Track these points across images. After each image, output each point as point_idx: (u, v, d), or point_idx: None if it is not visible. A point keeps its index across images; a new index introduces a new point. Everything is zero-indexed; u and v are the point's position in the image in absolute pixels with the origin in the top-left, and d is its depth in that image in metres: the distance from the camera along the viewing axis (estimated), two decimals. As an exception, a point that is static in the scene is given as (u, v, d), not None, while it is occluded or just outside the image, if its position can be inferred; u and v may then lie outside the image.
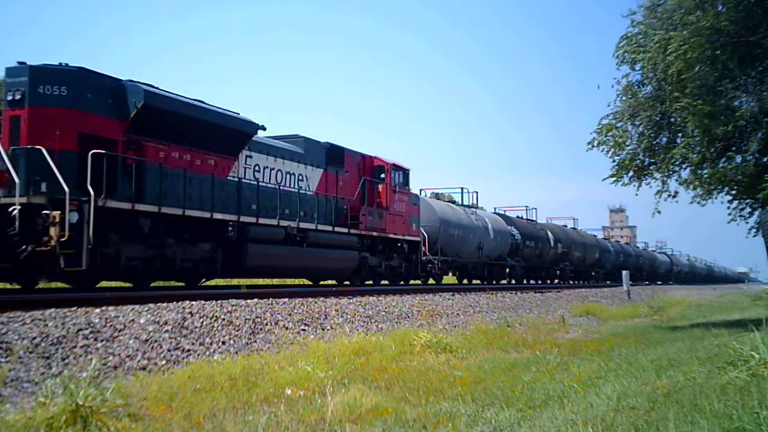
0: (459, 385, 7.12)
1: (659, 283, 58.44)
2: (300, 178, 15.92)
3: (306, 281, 19.99)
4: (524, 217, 36.43)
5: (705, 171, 13.50)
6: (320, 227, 15.94)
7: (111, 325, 7.92)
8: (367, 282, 18.75)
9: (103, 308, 8.57)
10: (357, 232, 17.42)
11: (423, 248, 21.23)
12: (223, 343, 8.68)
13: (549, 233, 35.21)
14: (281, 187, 14.96)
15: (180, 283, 14.03)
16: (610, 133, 14.19)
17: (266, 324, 9.88)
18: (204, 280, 14.12)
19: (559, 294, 25.45)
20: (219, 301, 10.21)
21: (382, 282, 19.67)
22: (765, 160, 13.51)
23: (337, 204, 17.03)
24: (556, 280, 37.46)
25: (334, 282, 19.24)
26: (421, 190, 25.92)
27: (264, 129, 14.88)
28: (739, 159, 13.17)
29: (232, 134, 13.64)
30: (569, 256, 37.40)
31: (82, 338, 7.38)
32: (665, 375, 6.90)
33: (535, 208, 39.64)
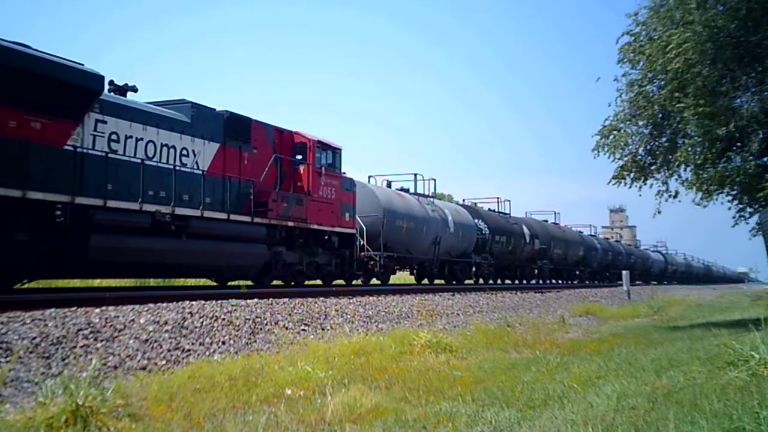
0: (459, 385, 7.12)
1: (654, 283, 56.38)
2: (184, 152, 12.74)
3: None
4: (496, 209, 32.11)
5: (706, 172, 13.51)
6: (208, 214, 12.86)
7: (111, 325, 7.93)
8: (292, 282, 16.12)
9: (103, 308, 8.57)
10: (264, 222, 14.32)
11: (361, 242, 18.23)
12: (223, 343, 8.69)
13: (524, 228, 31.76)
14: (151, 163, 11.88)
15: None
16: (612, 135, 14.22)
17: (266, 324, 9.89)
18: (25, 281, 11.33)
19: (559, 294, 25.51)
20: (219, 301, 10.22)
21: (308, 282, 16.78)
22: (765, 160, 13.52)
23: (240, 187, 13.94)
24: (534, 281, 33.90)
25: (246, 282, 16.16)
26: (369, 177, 23.04)
27: (135, 90, 12.33)
28: (739, 160, 13.19)
29: (66, 90, 10.45)
30: (548, 253, 34.05)
31: (82, 338, 7.38)
32: (665, 375, 6.90)
33: (509, 200, 33.52)
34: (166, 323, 8.51)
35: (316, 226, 16.10)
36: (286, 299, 11.72)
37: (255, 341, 9.11)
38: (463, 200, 31.64)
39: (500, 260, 29.18)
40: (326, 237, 16.69)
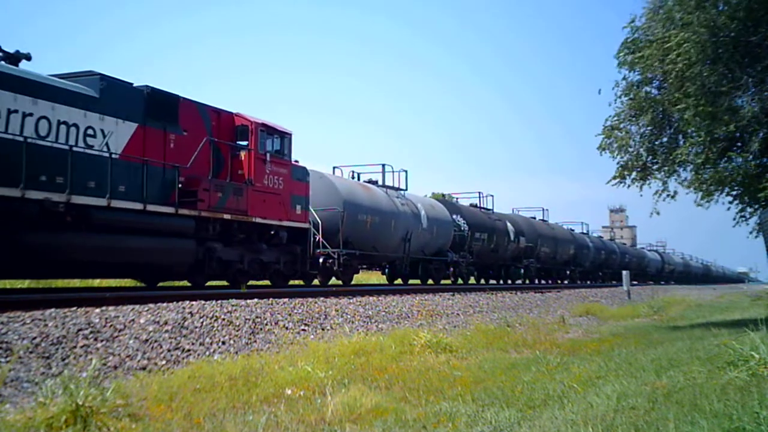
0: (459, 385, 7.12)
1: (650, 283, 54.93)
2: (89, 132, 10.87)
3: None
4: (478, 205, 29.46)
5: (707, 172, 13.51)
6: (117, 204, 10.94)
7: (111, 325, 7.93)
8: (236, 283, 14.11)
9: (103, 308, 8.58)
10: (193, 213, 12.42)
11: (316, 237, 16.32)
12: (223, 343, 8.69)
13: (508, 224, 29.66)
14: (41, 143, 10.01)
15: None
16: (613, 135, 14.26)
17: (266, 324, 9.89)
18: None
19: (559, 294, 25.55)
20: (219, 301, 10.22)
21: (252, 282, 14.86)
22: (765, 160, 13.53)
23: (165, 173, 12.08)
24: (519, 281, 31.58)
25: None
26: (334, 168, 20.89)
27: (28, 59, 10.61)
28: (739, 160, 13.20)
29: None
30: (535, 251, 32.14)
31: (82, 338, 7.38)
32: (665, 375, 6.90)
33: (492, 195, 30.45)
34: (166, 323, 8.51)
35: (259, 220, 14.16)
36: (286, 299, 11.73)
37: (255, 341, 9.11)
38: (443, 195, 29.23)
39: (481, 259, 27.24)
40: (273, 232, 14.85)
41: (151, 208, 11.64)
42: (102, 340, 7.51)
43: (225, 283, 15.14)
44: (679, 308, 24.81)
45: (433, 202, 25.05)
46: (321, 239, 16.67)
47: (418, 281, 23.49)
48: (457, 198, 29.36)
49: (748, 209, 14.35)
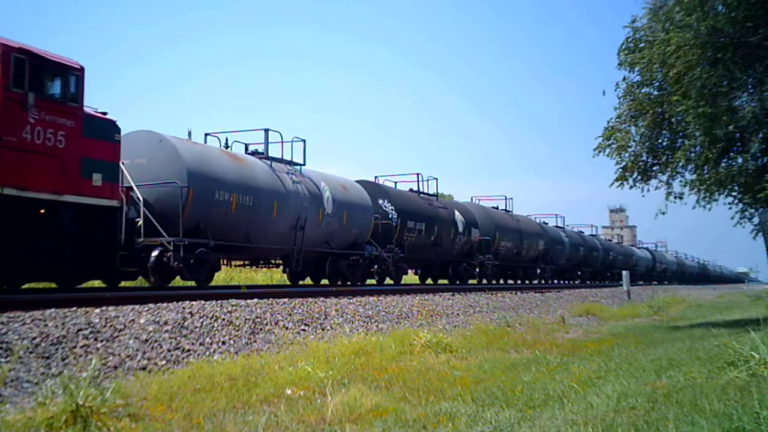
0: (459, 385, 7.12)
1: (641, 283, 50.18)
2: None
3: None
4: (418, 190, 23.53)
5: (707, 172, 13.51)
6: None
7: (111, 325, 7.93)
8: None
9: (103, 308, 8.58)
10: None
11: (138, 221, 12.00)
12: (223, 343, 8.70)
13: (456, 214, 24.51)
14: None
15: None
16: (614, 136, 14.27)
17: (266, 324, 9.89)
18: None
19: (560, 294, 25.63)
20: (219, 301, 10.23)
21: (27, 286, 11.46)
22: (766, 160, 13.53)
23: None
24: (473, 280, 26.02)
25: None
26: (206, 135, 15.69)
27: None
28: (740, 160, 13.20)
29: None
30: (492, 246, 27.00)
31: (82, 338, 7.39)
32: (665, 375, 6.90)
33: (436, 178, 24.57)
34: (166, 323, 8.52)
35: (11, 191, 9.41)
36: (286, 299, 11.74)
37: (255, 341, 9.11)
38: (376, 177, 22.62)
39: (416, 254, 21.95)
40: (43, 210, 10.18)
41: None
42: (102, 340, 7.51)
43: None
44: (679, 308, 24.82)
45: (346, 181, 19.21)
46: (143, 224, 12.13)
47: (326, 281, 18.34)
48: (396, 183, 23.23)
49: (749, 209, 14.35)
